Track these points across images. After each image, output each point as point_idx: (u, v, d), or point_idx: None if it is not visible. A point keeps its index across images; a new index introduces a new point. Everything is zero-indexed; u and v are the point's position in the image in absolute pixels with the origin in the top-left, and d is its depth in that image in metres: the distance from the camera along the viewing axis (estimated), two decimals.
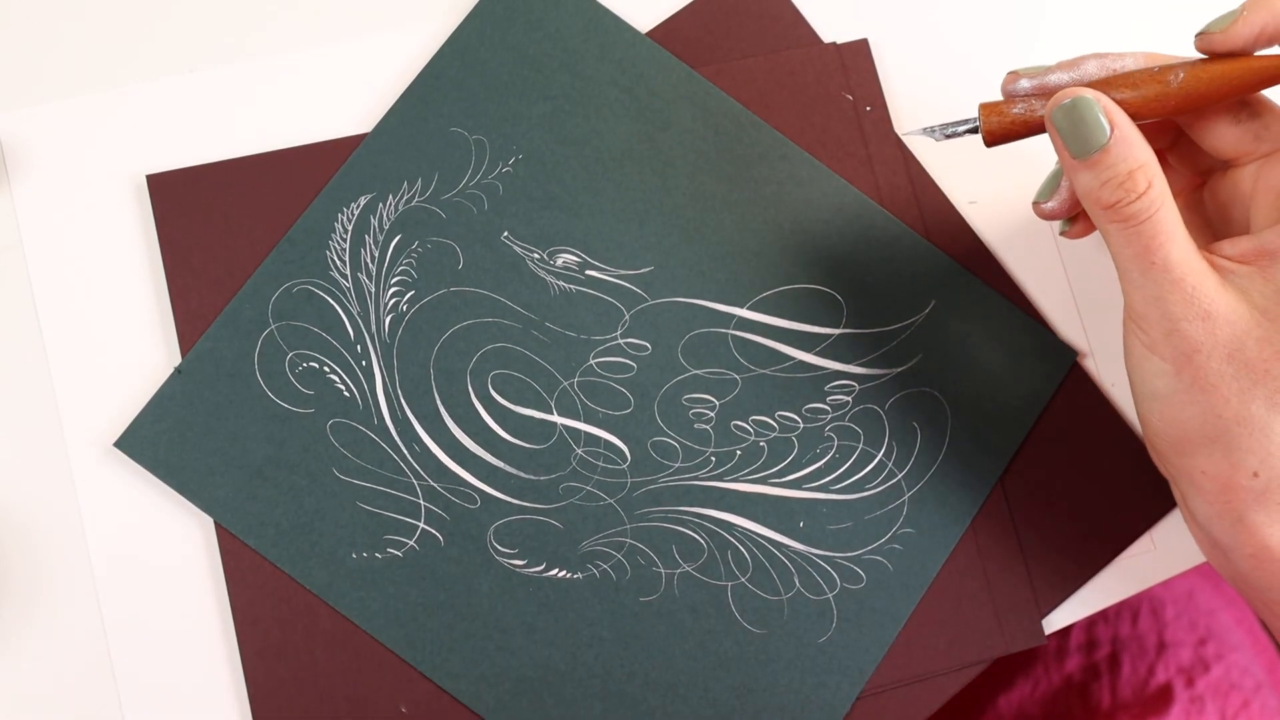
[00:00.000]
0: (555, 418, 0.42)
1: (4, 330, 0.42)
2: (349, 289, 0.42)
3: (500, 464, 0.41)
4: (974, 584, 0.42)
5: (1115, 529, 0.43)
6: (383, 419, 0.41)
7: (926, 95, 0.46)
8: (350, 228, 0.42)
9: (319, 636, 0.40)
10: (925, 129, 0.38)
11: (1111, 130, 0.33)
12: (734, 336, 0.43)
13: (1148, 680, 0.56)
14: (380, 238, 0.42)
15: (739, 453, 0.42)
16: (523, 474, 0.41)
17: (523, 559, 0.41)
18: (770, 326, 0.43)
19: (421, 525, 0.41)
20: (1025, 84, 0.37)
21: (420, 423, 0.41)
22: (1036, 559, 0.43)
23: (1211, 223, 0.40)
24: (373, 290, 0.42)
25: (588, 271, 0.43)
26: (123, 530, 0.41)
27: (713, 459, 0.42)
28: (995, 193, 0.45)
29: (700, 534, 0.42)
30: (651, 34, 0.45)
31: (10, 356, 0.42)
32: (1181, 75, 0.34)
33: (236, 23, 0.44)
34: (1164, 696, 0.55)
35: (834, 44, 0.45)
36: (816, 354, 0.43)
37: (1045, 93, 0.36)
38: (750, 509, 0.42)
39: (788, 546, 0.42)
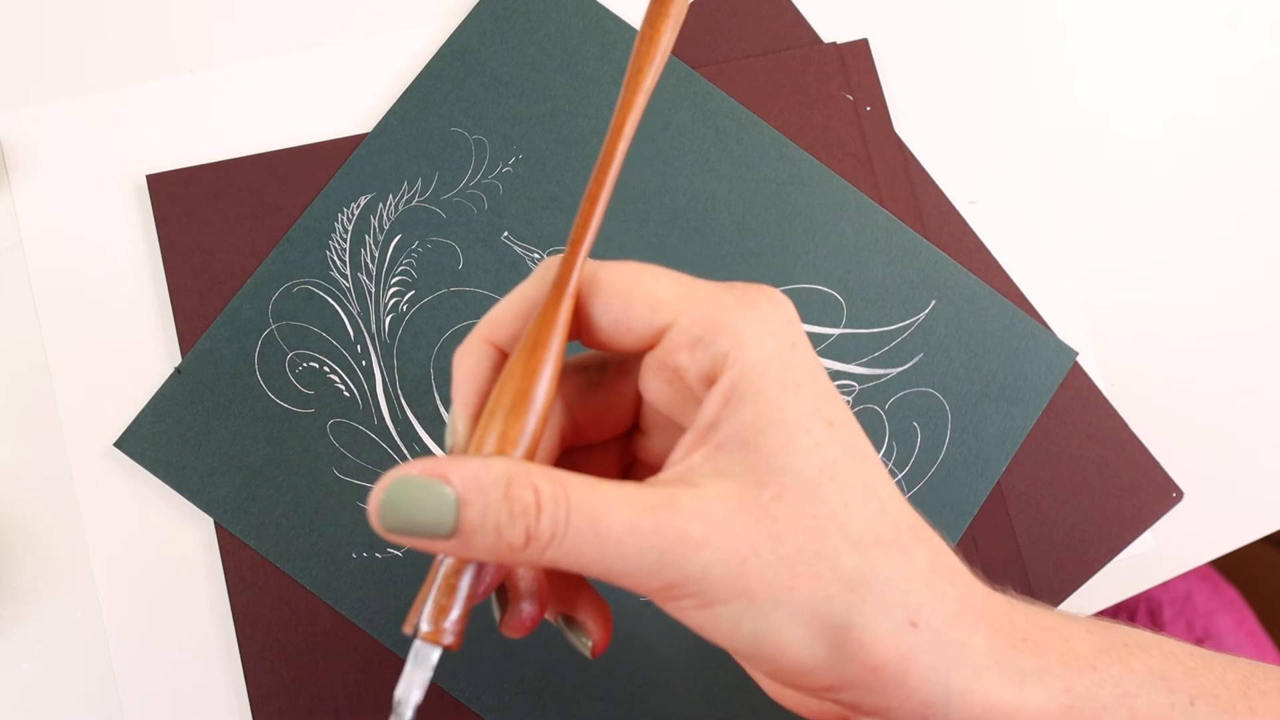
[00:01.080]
0: None
1: (4, 330, 0.42)
2: (349, 289, 0.42)
3: None
4: None
5: (1113, 530, 0.43)
6: (383, 419, 0.41)
7: (926, 95, 0.46)
8: (350, 228, 0.42)
9: (319, 636, 0.40)
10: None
11: (449, 479, 0.25)
12: None
13: None
14: (380, 238, 0.42)
15: None
16: None
17: None
18: None
19: None
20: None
21: (420, 422, 0.41)
22: (1034, 560, 0.43)
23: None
24: (373, 290, 0.42)
25: None
26: (123, 530, 0.41)
27: None
28: (995, 193, 0.45)
29: None
30: None
31: (10, 356, 0.42)
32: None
33: (237, 23, 0.44)
34: None
35: (834, 44, 0.45)
36: (818, 353, 0.43)
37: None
38: None
39: None
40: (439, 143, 0.43)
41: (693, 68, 0.44)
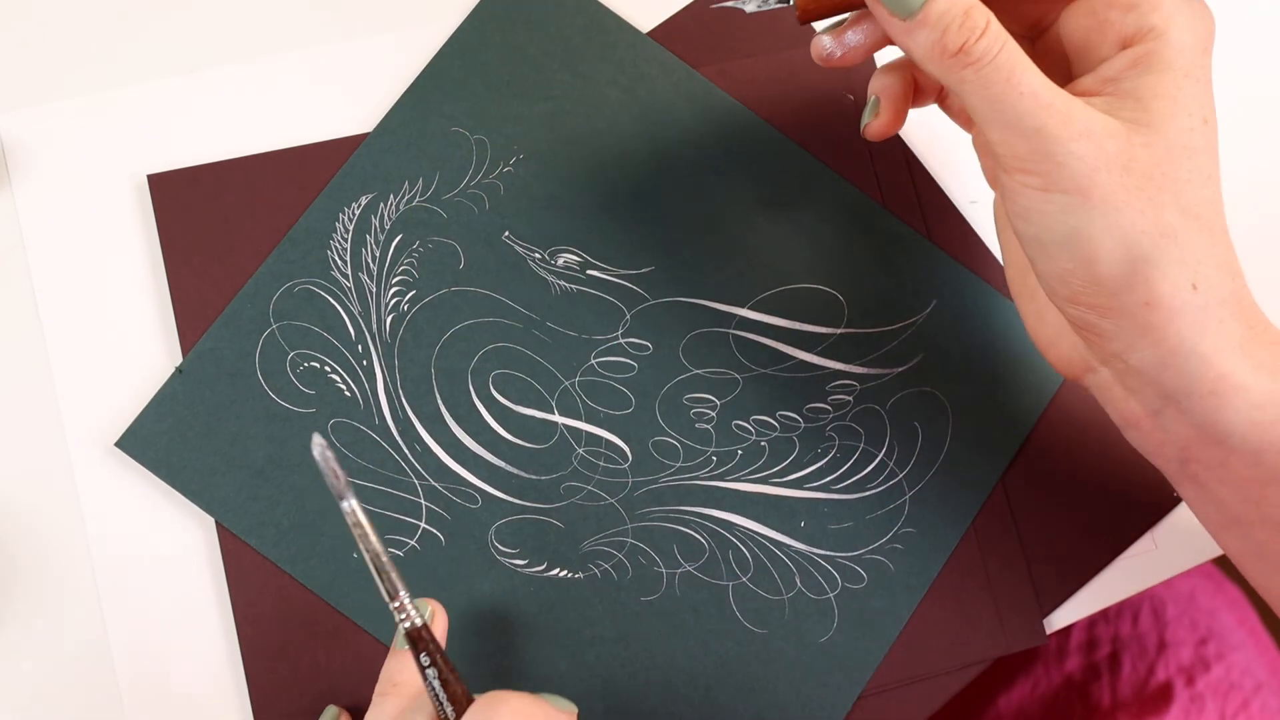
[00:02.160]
0: (556, 417, 0.42)
1: (6, 330, 0.42)
2: (350, 289, 0.42)
3: (501, 464, 0.41)
4: (975, 584, 0.42)
5: (1117, 528, 0.43)
6: (384, 419, 0.41)
7: None
8: (351, 227, 0.42)
9: (320, 637, 0.40)
10: (734, 2, 0.37)
11: None
12: (735, 336, 0.43)
13: (1148, 679, 0.56)
14: (381, 237, 0.42)
15: (740, 452, 0.42)
16: (524, 474, 0.41)
17: (524, 559, 0.41)
18: (771, 326, 0.43)
19: (423, 525, 0.41)
20: None
21: (421, 422, 0.41)
22: (1038, 558, 0.43)
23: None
24: (374, 290, 0.42)
25: (589, 271, 0.43)
26: (124, 530, 0.41)
27: (714, 459, 0.42)
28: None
29: (701, 534, 0.42)
30: (652, 34, 0.45)
31: (12, 356, 0.42)
32: None
33: (237, 23, 0.44)
34: (1164, 696, 0.55)
35: None
36: (818, 354, 0.43)
37: None
38: (751, 509, 0.42)
39: (789, 546, 0.42)
40: (440, 143, 0.43)
41: (693, 67, 0.44)
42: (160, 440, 0.41)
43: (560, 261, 0.43)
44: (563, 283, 0.43)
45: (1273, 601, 0.37)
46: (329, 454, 0.33)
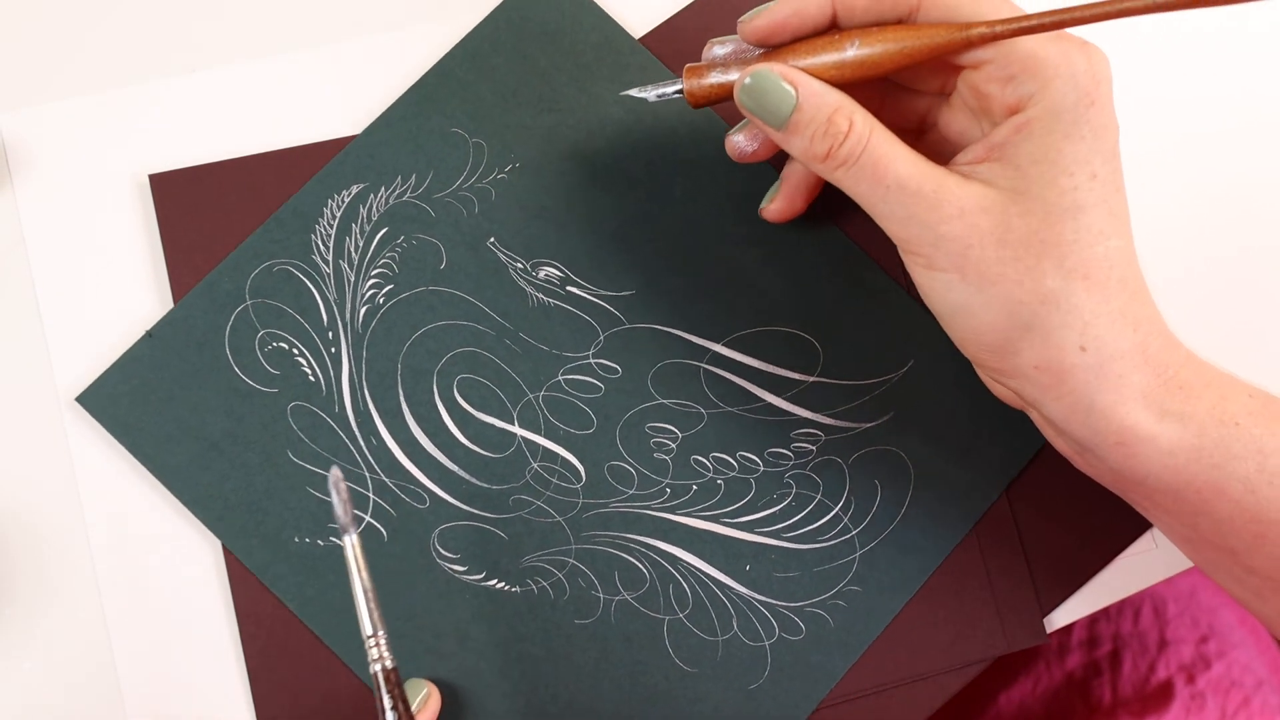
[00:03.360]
0: (516, 429, 0.42)
1: (6, 329, 0.42)
2: (329, 275, 0.42)
3: (454, 467, 0.41)
4: (976, 582, 0.42)
5: (1117, 527, 0.43)
6: (344, 407, 0.41)
7: None
8: (339, 214, 0.42)
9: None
10: (637, 90, 0.39)
11: (796, 91, 0.35)
12: (706, 371, 0.42)
13: (1148, 677, 0.56)
14: (367, 228, 0.42)
15: (695, 487, 0.42)
16: (476, 480, 0.41)
17: (464, 565, 0.41)
18: (744, 366, 0.43)
19: (367, 518, 0.41)
20: (719, 50, 0.38)
21: (381, 416, 0.41)
22: (1039, 557, 0.43)
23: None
24: (352, 279, 0.42)
25: (568, 288, 0.43)
26: (126, 530, 0.41)
27: (668, 490, 0.42)
28: None
29: (644, 564, 0.41)
30: (653, 34, 0.45)
31: (13, 355, 0.42)
32: (857, 44, 0.35)
33: (237, 22, 0.44)
34: (1165, 693, 0.55)
35: None
36: (787, 399, 0.43)
37: (741, 59, 0.37)
38: (698, 545, 0.41)
39: (731, 588, 0.41)
40: (438, 141, 0.43)
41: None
42: (121, 401, 0.41)
43: (542, 274, 0.43)
44: (541, 295, 0.42)
45: (1243, 605, 0.38)
46: (343, 485, 0.34)
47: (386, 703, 0.35)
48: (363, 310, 0.42)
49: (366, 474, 0.41)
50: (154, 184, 0.42)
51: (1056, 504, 0.43)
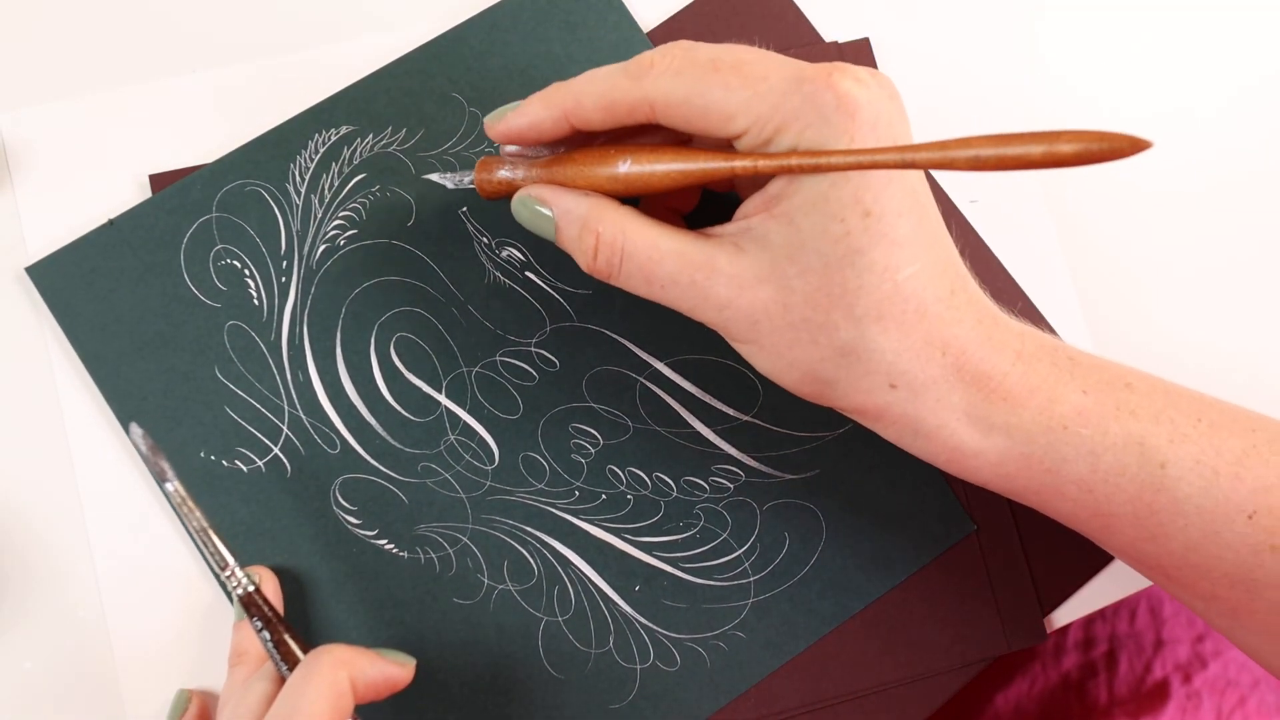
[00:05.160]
0: (442, 398, 0.42)
1: (6, 329, 0.42)
2: (298, 205, 0.42)
3: (372, 421, 0.41)
4: (976, 582, 0.42)
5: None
6: (280, 337, 0.41)
7: (927, 94, 0.45)
8: (322, 150, 0.43)
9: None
10: (439, 175, 0.41)
11: (552, 211, 0.35)
12: (643, 385, 0.42)
13: (1144, 677, 0.56)
14: (346, 170, 0.43)
15: (604, 496, 0.42)
16: (390, 439, 0.41)
17: (359, 519, 0.41)
18: (681, 389, 0.42)
19: (276, 450, 0.41)
20: (511, 148, 0.38)
21: (313, 354, 0.41)
22: (1038, 557, 0.42)
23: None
24: (319, 215, 0.42)
25: (527, 273, 0.43)
26: (126, 531, 0.41)
27: (576, 493, 0.41)
28: (995, 192, 0.45)
29: (536, 559, 0.41)
30: (653, 33, 0.45)
31: (13, 355, 0.42)
32: (628, 166, 0.34)
33: (237, 23, 0.45)
34: (1160, 693, 0.55)
35: (835, 43, 0.45)
36: (717, 431, 0.42)
37: (527, 159, 0.37)
38: (594, 554, 0.41)
39: (616, 604, 0.41)
40: (436, 101, 0.43)
41: None
42: (69, 280, 0.41)
43: (504, 254, 0.43)
44: (499, 274, 0.42)
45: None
46: (148, 440, 0.37)
47: (258, 625, 0.37)
48: (321, 248, 0.42)
49: (285, 407, 0.41)
50: (154, 184, 0.43)
51: None
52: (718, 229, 0.34)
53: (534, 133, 0.35)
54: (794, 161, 0.31)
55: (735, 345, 0.35)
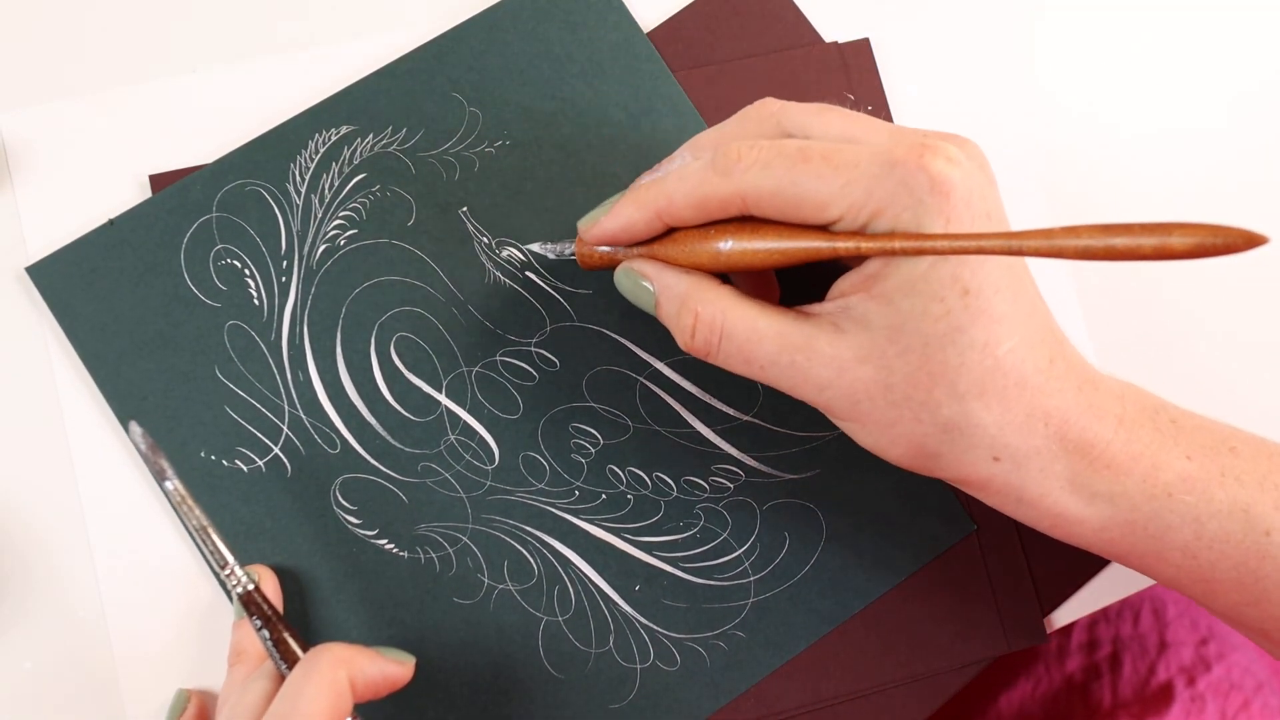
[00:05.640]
0: (442, 397, 0.42)
1: (6, 329, 0.42)
2: (298, 205, 0.42)
3: (373, 421, 0.41)
4: (975, 583, 0.42)
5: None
6: (280, 337, 0.41)
7: (927, 94, 0.46)
8: (322, 150, 0.43)
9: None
10: (540, 245, 0.40)
11: (653, 285, 0.36)
12: (643, 385, 0.42)
13: (1148, 679, 0.56)
14: (346, 170, 0.43)
15: (604, 496, 0.42)
16: (390, 439, 0.41)
17: (359, 518, 0.41)
18: (681, 389, 0.42)
19: (276, 450, 0.41)
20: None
21: (313, 354, 0.41)
22: (1039, 557, 0.43)
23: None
24: (319, 215, 0.42)
25: (527, 273, 0.43)
26: (126, 531, 0.41)
27: (576, 492, 0.41)
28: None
29: (536, 559, 0.41)
30: (653, 34, 0.45)
31: (13, 355, 0.42)
32: (730, 245, 0.34)
33: (237, 23, 0.45)
34: (1164, 695, 0.55)
35: (835, 43, 0.45)
36: (717, 431, 0.42)
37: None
38: (594, 554, 0.41)
39: (616, 604, 0.41)
40: (436, 101, 0.43)
41: (694, 67, 0.44)
42: (69, 280, 0.41)
43: (505, 253, 0.43)
44: (499, 274, 0.42)
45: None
46: (147, 439, 0.37)
47: (257, 623, 0.37)
48: (321, 248, 0.42)
49: (285, 407, 0.41)
50: (154, 184, 0.43)
51: None
52: (815, 307, 0.34)
53: (627, 235, 0.36)
54: (897, 245, 0.31)
55: (838, 423, 0.35)
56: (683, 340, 0.35)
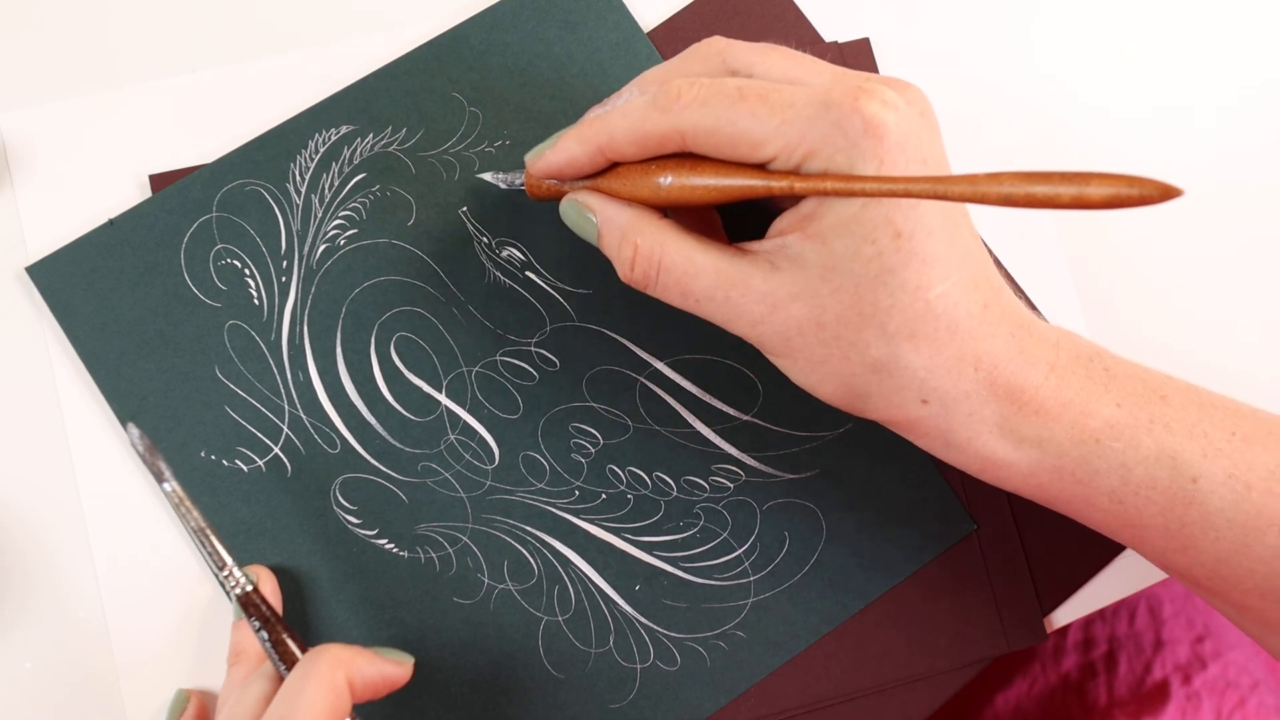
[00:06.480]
0: (442, 397, 0.42)
1: (6, 329, 0.42)
2: (298, 205, 0.42)
3: (373, 420, 0.41)
4: (975, 583, 0.42)
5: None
6: (280, 336, 0.41)
7: (927, 94, 0.45)
8: (322, 150, 0.43)
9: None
10: (491, 175, 0.41)
11: (595, 216, 0.36)
12: (643, 385, 0.42)
13: (1144, 678, 0.56)
14: (346, 169, 0.43)
15: (604, 496, 0.42)
16: (390, 438, 0.41)
17: (359, 518, 0.41)
18: (681, 389, 0.42)
19: (276, 450, 0.41)
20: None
21: (313, 354, 0.41)
22: (1038, 557, 0.43)
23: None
24: (319, 215, 0.42)
25: (527, 273, 0.43)
26: (126, 531, 0.41)
27: (576, 492, 0.41)
28: None
29: (536, 559, 0.41)
30: (653, 34, 0.45)
31: (13, 355, 0.42)
32: (670, 180, 0.34)
33: (237, 23, 0.45)
34: (1160, 694, 0.55)
35: (836, 43, 0.45)
36: (717, 431, 0.42)
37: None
38: (594, 553, 0.41)
39: (616, 603, 0.41)
40: (436, 101, 0.43)
41: None
42: (69, 280, 0.41)
43: (505, 253, 0.43)
44: (499, 274, 0.42)
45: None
46: (145, 441, 0.37)
47: (255, 625, 0.37)
48: (321, 247, 0.42)
49: (285, 406, 0.41)
50: (154, 184, 0.43)
51: None
52: (753, 245, 0.35)
53: (571, 169, 0.36)
54: (828, 185, 0.31)
55: (770, 358, 0.36)
56: (622, 271, 0.36)
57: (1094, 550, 0.43)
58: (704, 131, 0.33)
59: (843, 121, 0.31)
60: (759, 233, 0.35)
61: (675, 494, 0.42)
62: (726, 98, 0.33)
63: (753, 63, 0.35)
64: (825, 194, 0.32)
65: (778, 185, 0.33)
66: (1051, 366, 0.34)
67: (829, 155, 0.32)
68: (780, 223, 0.34)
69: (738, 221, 0.40)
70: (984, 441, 0.34)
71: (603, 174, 0.36)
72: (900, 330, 0.33)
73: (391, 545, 0.41)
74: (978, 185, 0.28)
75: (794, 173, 0.32)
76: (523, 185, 0.40)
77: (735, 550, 0.42)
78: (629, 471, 0.42)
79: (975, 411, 0.34)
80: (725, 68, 0.35)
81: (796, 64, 0.34)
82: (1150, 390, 0.34)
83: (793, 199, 0.34)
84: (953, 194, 0.29)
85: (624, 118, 0.35)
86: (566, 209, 0.37)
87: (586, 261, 0.43)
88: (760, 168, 0.33)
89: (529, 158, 0.37)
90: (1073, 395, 0.34)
